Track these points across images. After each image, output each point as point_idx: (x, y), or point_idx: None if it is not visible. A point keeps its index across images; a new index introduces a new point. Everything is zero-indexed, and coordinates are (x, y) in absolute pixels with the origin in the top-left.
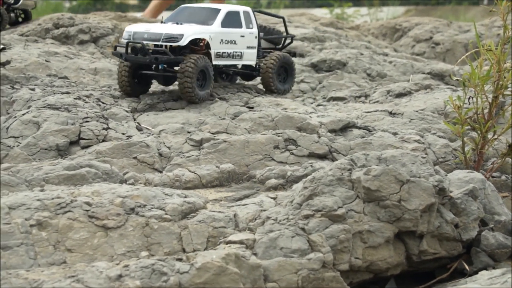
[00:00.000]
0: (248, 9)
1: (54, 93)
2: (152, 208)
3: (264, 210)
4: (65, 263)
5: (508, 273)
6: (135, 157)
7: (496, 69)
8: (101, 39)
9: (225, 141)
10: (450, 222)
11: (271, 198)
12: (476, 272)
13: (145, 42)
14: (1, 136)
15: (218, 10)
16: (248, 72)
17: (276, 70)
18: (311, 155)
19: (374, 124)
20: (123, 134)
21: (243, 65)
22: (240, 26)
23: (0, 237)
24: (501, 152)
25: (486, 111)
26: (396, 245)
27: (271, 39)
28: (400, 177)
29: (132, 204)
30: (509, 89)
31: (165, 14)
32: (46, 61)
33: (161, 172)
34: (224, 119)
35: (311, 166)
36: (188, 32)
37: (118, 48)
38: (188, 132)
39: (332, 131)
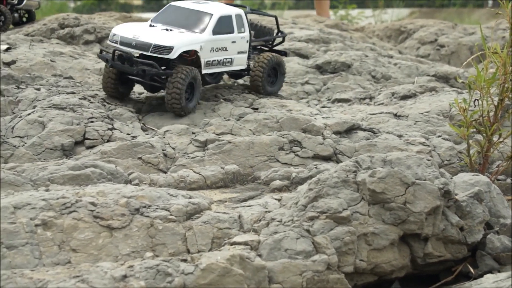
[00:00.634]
0: (241, 11)
1: (59, 93)
2: (157, 208)
3: (269, 212)
4: (70, 263)
5: None
6: (140, 158)
7: (502, 71)
8: (106, 39)
9: (230, 142)
10: (455, 225)
11: (276, 199)
12: (481, 276)
13: (132, 51)
14: (1, 136)
15: (210, 15)
16: (237, 72)
17: (266, 72)
18: (316, 157)
19: (379, 126)
20: (128, 134)
21: None
22: (232, 31)
23: (0, 237)
24: (506, 155)
25: (491, 113)
26: (401, 247)
27: (260, 36)
28: (406, 180)
29: (137, 205)
30: None
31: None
32: (51, 61)
33: (165, 172)
34: (229, 120)
35: (316, 167)
36: (178, 44)
37: (104, 52)
38: (193, 133)
39: (337, 133)
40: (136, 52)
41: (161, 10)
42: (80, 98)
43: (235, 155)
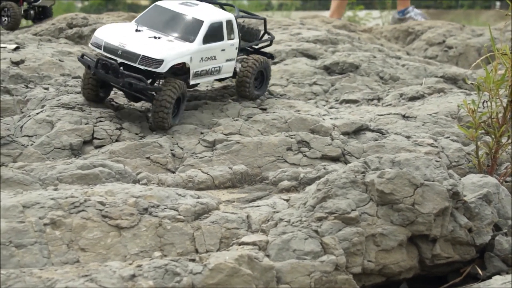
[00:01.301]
0: (231, 17)
1: (68, 93)
2: (165, 208)
3: (277, 212)
4: (78, 262)
5: None
6: (148, 157)
7: (511, 73)
8: None
9: (238, 142)
10: (464, 227)
11: (284, 200)
12: (489, 277)
13: (118, 60)
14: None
15: (201, 23)
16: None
17: (254, 76)
18: (324, 158)
19: (387, 127)
20: (136, 134)
21: None
22: (222, 39)
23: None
24: None
25: (500, 115)
26: (409, 248)
27: (247, 38)
28: (414, 181)
29: (146, 204)
30: None
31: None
32: (59, 60)
33: (174, 172)
34: (237, 120)
35: (324, 168)
36: (169, 57)
37: (86, 57)
38: (201, 133)
39: (345, 133)
40: (121, 61)
41: (146, 10)
42: None
43: (243, 155)
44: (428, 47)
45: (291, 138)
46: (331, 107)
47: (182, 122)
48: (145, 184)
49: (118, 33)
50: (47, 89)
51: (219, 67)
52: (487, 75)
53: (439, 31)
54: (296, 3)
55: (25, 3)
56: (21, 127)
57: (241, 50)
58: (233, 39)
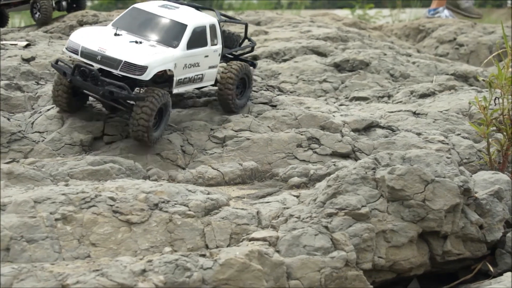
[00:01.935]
0: (215, 21)
1: None
2: (175, 204)
3: (287, 208)
4: (89, 257)
5: None
6: (158, 154)
7: None
8: None
9: (248, 139)
10: (475, 223)
11: (294, 196)
12: (500, 274)
13: (97, 66)
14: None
15: (184, 27)
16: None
17: (236, 84)
18: (334, 154)
19: (397, 124)
20: None
21: None
22: (205, 44)
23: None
24: None
25: None
26: (420, 245)
27: (227, 44)
28: (425, 177)
29: (156, 200)
30: None
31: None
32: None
33: (184, 168)
34: (247, 116)
35: (334, 165)
36: (153, 63)
37: (61, 62)
38: (211, 130)
39: (355, 130)
40: (101, 67)
41: (123, 13)
42: None
43: (253, 151)
44: (439, 44)
45: (301, 134)
46: (341, 104)
47: (192, 118)
48: (156, 180)
49: (97, 37)
50: None
51: (202, 74)
52: (499, 72)
53: (450, 29)
54: (305, 2)
55: None
56: (32, 123)
57: (221, 57)
58: (216, 44)
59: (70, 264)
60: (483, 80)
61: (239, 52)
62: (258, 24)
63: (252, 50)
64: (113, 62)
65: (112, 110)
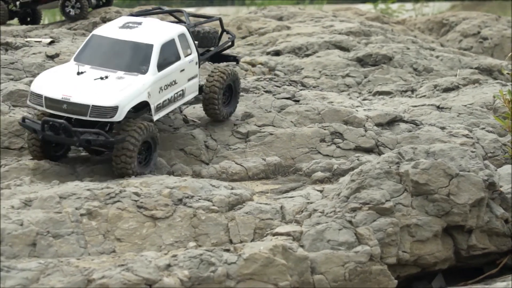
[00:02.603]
0: (183, 29)
1: None
2: (199, 199)
3: (311, 203)
4: (115, 252)
5: None
6: (182, 149)
7: None
8: None
9: (271, 134)
10: (500, 217)
11: (318, 191)
12: None
13: (65, 115)
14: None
15: (150, 47)
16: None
17: (222, 91)
18: (358, 149)
19: (421, 118)
20: (170, 126)
21: None
22: (178, 58)
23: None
24: None
25: None
26: (444, 239)
27: (205, 44)
28: (449, 171)
29: (180, 195)
30: None
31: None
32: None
33: (207, 164)
34: (270, 112)
35: (358, 159)
36: (123, 101)
37: (28, 120)
38: (234, 125)
39: (378, 124)
40: (70, 115)
41: (84, 43)
42: None
43: (277, 146)
44: (463, 38)
45: (325, 129)
46: (364, 99)
47: None
48: (179, 175)
49: (59, 82)
50: None
51: (182, 90)
52: None
53: (474, 22)
54: None
55: None
56: None
57: (202, 55)
58: (190, 54)
59: (95, 259)
60: (508, 73)
61: (220, 50)
62: (280, 19)
63: (232, 44)
64: (81, 108)
65: (97, 153)
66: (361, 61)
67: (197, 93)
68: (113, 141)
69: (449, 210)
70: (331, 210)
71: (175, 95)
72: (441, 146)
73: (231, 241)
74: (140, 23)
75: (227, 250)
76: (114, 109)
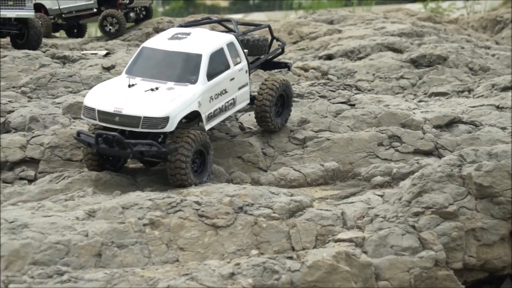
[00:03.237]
0: (232, 38)
1: None
2: (259, 207)
3: (372, 208)
4: (178, 261)
5: None
6: (239, 157)
7: None
8: None
9: (328, 139)
10: None
11: (378, 195)
12: None
13: (118, 128)
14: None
15: (199, 57)
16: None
17: (274, 103)
18: (416, 152)
19: (480, 119)
20: (227, 134)
21: None
22: (228, 67)
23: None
24: None
25: None
26: None
27: (255, 52)
28: None
29: (240, 203)
30: None
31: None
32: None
33: (266, 171)
34: (326, 117)
35: (417, 163)
36: (174, 111)
37: (83, 134)
38: (291, 131)
39: (437, 127)
40: (122, 128)
41: (134, 56)
42: None
43: (334, 152)
44: None
45: (382, 133)
46: (420, 101)
47: None
48: (238, 183)
49: (111, 95)
50: None
51: (233, 99)
52: None
53: None
54: None
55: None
56: None
57: (252, 63)
58: (240, 62)
59: (160, 269)
60: None
61: (270, 57)
62: (331, 23)
63: (283, 51)
64: (133, 120)
65: (152, 164)
66: (415, 62)
67: (248, 101)
68: (165, 151)
69: None
70: (393, 215)
71: (226, 103)
72: (503, 147)
73: (293, 248)
74: (188, 34)
75: (290, 258)
76: (165, 119)
